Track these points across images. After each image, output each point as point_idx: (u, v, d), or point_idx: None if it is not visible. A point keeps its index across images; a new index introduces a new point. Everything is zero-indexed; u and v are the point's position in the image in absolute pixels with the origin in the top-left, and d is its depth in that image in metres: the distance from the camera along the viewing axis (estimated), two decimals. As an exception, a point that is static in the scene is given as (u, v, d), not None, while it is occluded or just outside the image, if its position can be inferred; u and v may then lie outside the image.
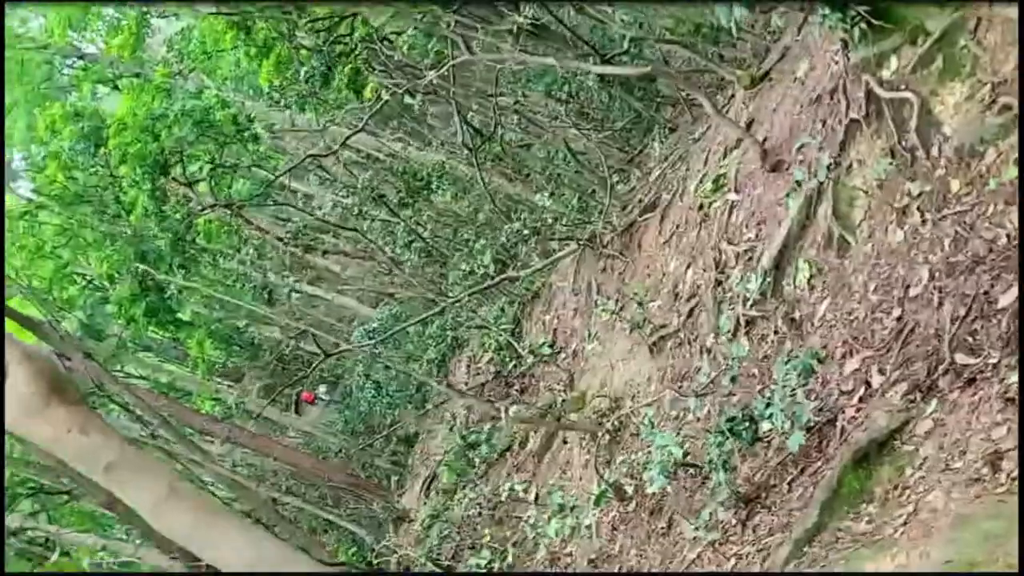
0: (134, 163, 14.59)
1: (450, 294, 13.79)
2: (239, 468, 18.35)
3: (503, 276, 12.10)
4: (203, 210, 15.96)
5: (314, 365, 14.83)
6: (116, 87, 19.33)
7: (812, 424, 4.89)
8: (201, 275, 18.55)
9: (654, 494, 6.37)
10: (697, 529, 5.14)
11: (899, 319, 5.04)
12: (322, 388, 25.34)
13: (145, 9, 19.17)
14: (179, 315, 19.82)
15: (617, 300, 9.11)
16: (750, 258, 6.62)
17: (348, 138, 12.66)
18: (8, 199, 18.40)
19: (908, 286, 4.98)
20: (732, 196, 7.04)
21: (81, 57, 19.44)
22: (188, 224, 15.75)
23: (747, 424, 5.05)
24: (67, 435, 2.10)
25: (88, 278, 20.38)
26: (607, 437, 7.48)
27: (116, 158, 14.88)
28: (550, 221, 12.57)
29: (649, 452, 6.44)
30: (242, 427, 17.95)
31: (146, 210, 14.93)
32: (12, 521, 12.58)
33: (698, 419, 5.76)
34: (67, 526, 16.82)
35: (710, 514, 5.08)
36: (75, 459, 2.18)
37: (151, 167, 14.52)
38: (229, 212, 16.33)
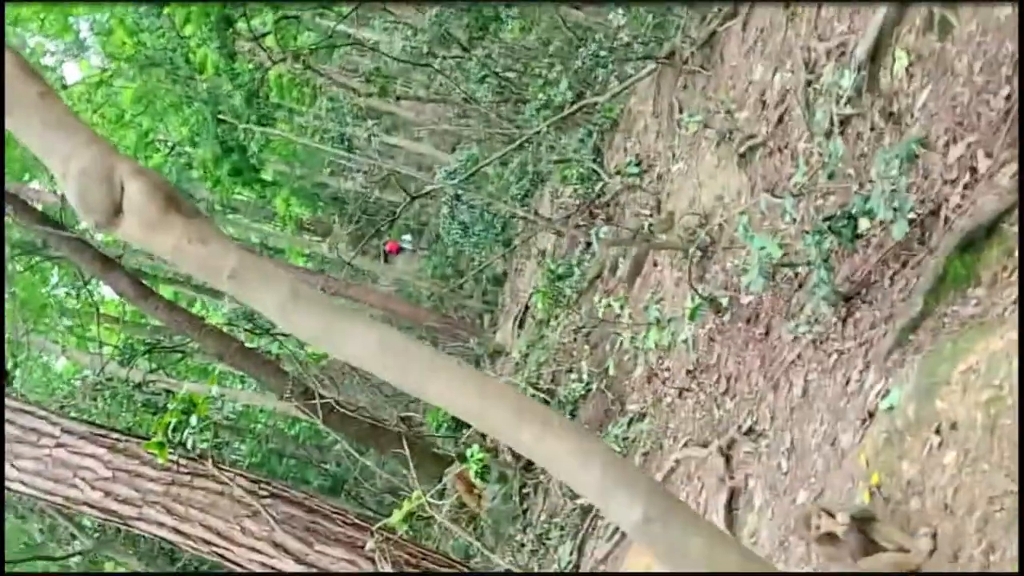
0: (198, 21, 14.50)
1: (528, 129, 13.59)
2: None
3: (580, 103, 11.81)
4: (272, 63, 15.88)
5: (399, 210, 14.98)
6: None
7: (915, 216, 4.73)
8: (279, 130, 18.67)
9: (750, 302, 6.38)
10: (797, 327, 5.13)
11: (1007, 98, 4.74)
12: (406, 237, 25.77)
13: None
14: (262, 174, 20.14)
15: (701, 115, 8.83)
16: (843, 53, 6.27)
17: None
18: (83, 67, 18.63)
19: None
20: (822, -13, 6.61)
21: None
22: (260, 79, 15.73)
23: (846, 221, 4.91)
24: (188, 245, 2.15)
25: (170, 143, 20.77)
26: (698, 253, 7.42)
27: (180, 16, 14.79)
28: (626, 41, 12.10)
29: (743, 261, 6.41)
30: (336, 278, 18.50)
31: (217, 68, 14.94)
32: (134, 375, 13.46)
33: (794, 220, 5.63)
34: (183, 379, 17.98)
35: (811, 311, 5.05)
36: (198, 269, 2.24)
37: (216, 23, 14.39)
38: (298, 64, 16.23)
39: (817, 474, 4.62)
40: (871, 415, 4.19)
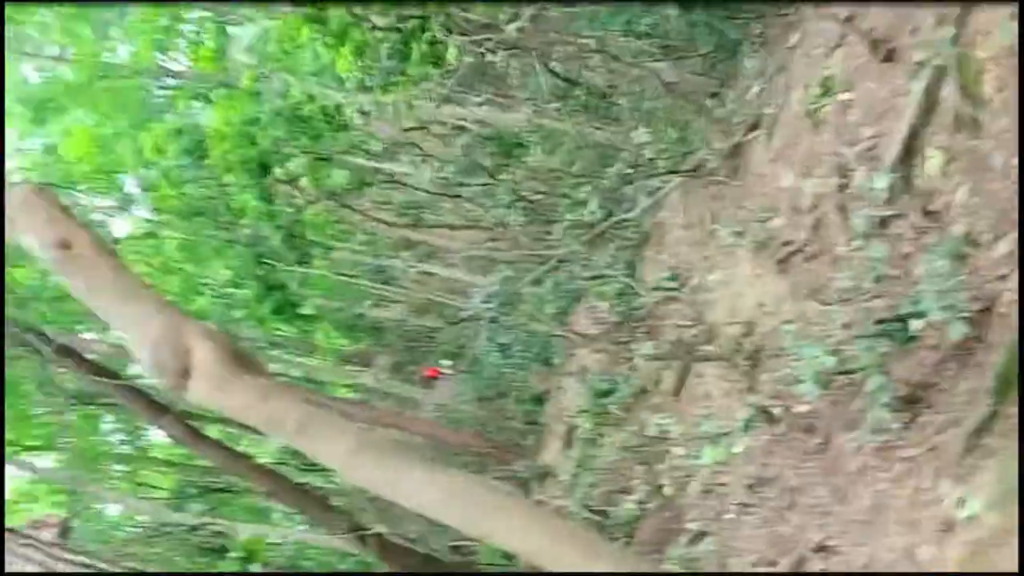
0: (237, 169, 15.07)
1: (559, 248, 13.76)
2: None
3: (611, 221, 11.98)
4: (309, 204, 16.40)
5: (438, 337, 15.08)
6: (208, 100, 19.99)
7: (968, 314, 4.68)
8: (317, 267, 19.08)
9: (805, 412, 6.26)
10: (859, 436, 5.01)
11: (1047, 190, 4.75)
12: (444, 362, 25.84)
13: (221, 19, 19.74)
14: (303, 310, 20.46)
15: (734, 225, 8.91)
16: (873, 156, 6.36)
17: (439, 106, 12.67)
18: (130, 222, 19.36)
19: (1054, 153, 4.69)
20: (844, 96, 6.76)
21: (171, 76, 20.16)
22: (297, 220, 16.20)
23: (898, 324, 4.87)
24: (255, 403, 2.19)
25: (213, 286, 21.25)
26: (746, 363, 7.35)
27: (220, 167, 15.38)
28: (650, 158, 12.35)
29: (792, 370, 6.33)
30: (379, 408, 18.51)
31: (256, 212, 15.42)
32: (187, 519, 13.42)
33: (844, 327, 5.59)
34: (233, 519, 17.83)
35: (872, 419, 4.94)
36: (265, 424, 2.27)
37: (253, 170, 14.95)
38: (332, 202, 16.73)
39: (899, 592, 4.43)
40: (950, 526, 4.04)
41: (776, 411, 6.52)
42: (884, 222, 5.87)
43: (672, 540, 7.83)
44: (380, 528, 10.86)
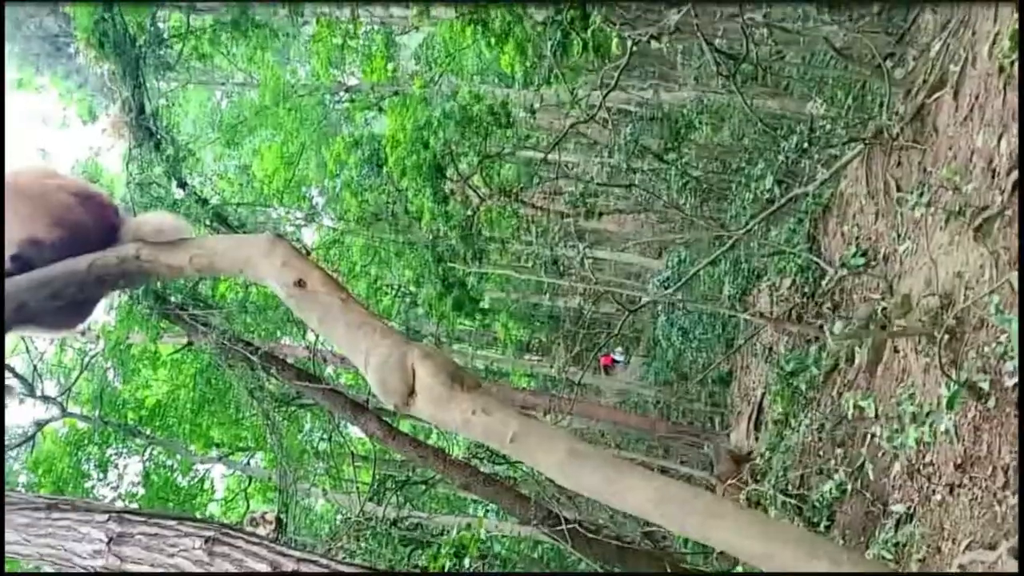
0: (412, 174, 15.69)
1: (734, 227, 13.50)
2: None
3: (788, 196, 11.63)
4: (482, 202, 16.84)
5: (619, 323, 15.14)
6: (381, 109, 20.91)
7: None
8: (493, 262, 19.59)
9: (1015, 385, 5.92)
10: (1082, 413, 4.71)
11: None
12: (618, 350, 25.87)
13: (388, 30, 20.56)
14: (482, 304, 21.08)
15: (923, 191, 8.48)
16: (1077, 110, 5.91)
17: (605, 96, 12.71)
18: (318, 232, 20.59)
19: None
20: (1040, 47, 6.31)
21: (347, 90, 21.22)
22: (472, 218, 16.69)
23: (1118, 291, 4.54)
24: (473, 417, 2.37)
25: (396, 287, 22.25)
26: (946, 336, 7.00)
27: (396, 173, 16.07)
28: (827, 128, 11.90)
29: (1000, 341, 6.00)
30: (562, 396, 18.78)
31: (432, 214, 16.01)
32: (388, 512, 14.15)
33: (1054, 296, 5.26)
34: (430, 511, 18.64)
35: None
36: (483, 436, 2.45)
37: (428, 173, 15.53)
38: (506, 198, 17.10)
39: None
40: None
41: (983, 386, 6.20)
42: (1095, 181, 5.46)
43: (876, 524, 7.59)
44: (571, 516, 11.07)
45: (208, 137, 20.91)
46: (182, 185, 13.31)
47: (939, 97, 9.01)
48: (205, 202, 13.70)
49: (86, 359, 17.63)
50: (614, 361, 25.55)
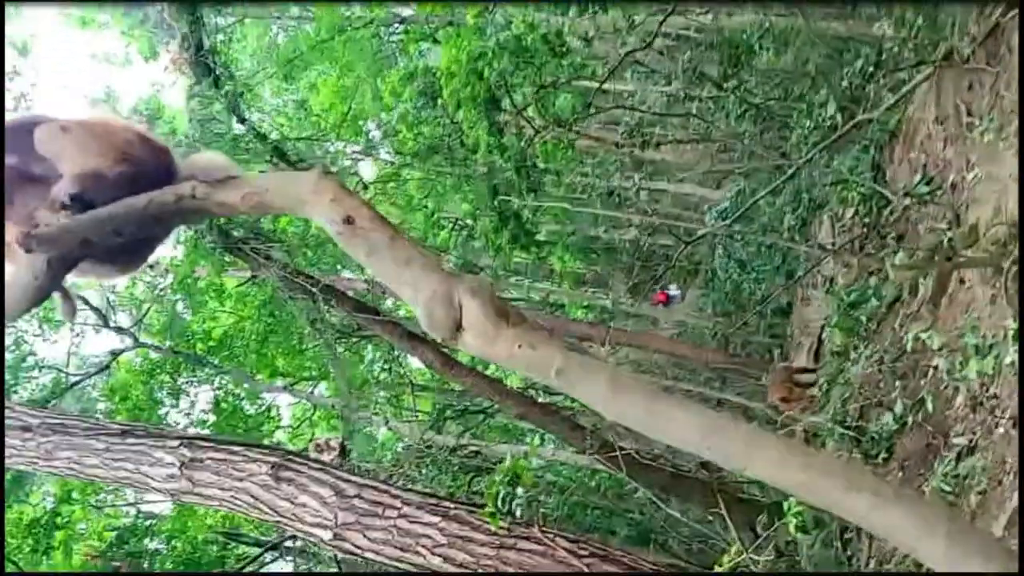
0: (468, 105, 15.59)
1: (796, 156, 13.20)
2: (623, 366, 19.30)
3: (852, 122, 11.29)
4: (537, 133, 16.70)
5: (676, 254, 15.05)
6: (436, 40, 20.71)
7: None
8: (549, 194, 19.51)
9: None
10: None
11: None
12: (672, 287, 25.72)
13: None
14: (538, 237, 21.06)
15: (996, 116, 8.17)
16: None
17: (662, 22, 12.41)
18: (376, 164, 20.69)
19: None
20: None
21: (401, 21, 21.04)
22: (527, 149, 16.58)
23: None
24: (519, 351, 2.41)
25: (453, 220, 22.35)
26: (1014, 267, 6.82)
27: (452, 105, 15.99)
28: (894, 50, 11.46)
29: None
30: (619, 328, 18.83)
31: (488, 146, 15.94)
32: (447, 440, 14.49)
33: None
34: (487, 439, 19.01)
35: None
36: (528, 369, 2.49)
37: (483, 105, 15.41)
38: (561, 129, 16.92)
39: None
40: None
41: (1051, 318, 6.05)
42: None
43: (936, 457, 7.53)
44: (627, 445, 11.18)
45: (266, 72, 21.00)
46: (242, 121, 13.47)
47: (1015, 14, 8.61)
48: (264, 137, 13.87)
49: (156, 292, 18.18)
50: (669, 297, 25.42)
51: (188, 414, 19.68)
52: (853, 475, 2.32)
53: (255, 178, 2.62)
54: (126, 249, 2.61)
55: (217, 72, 12.48)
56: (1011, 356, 6.32)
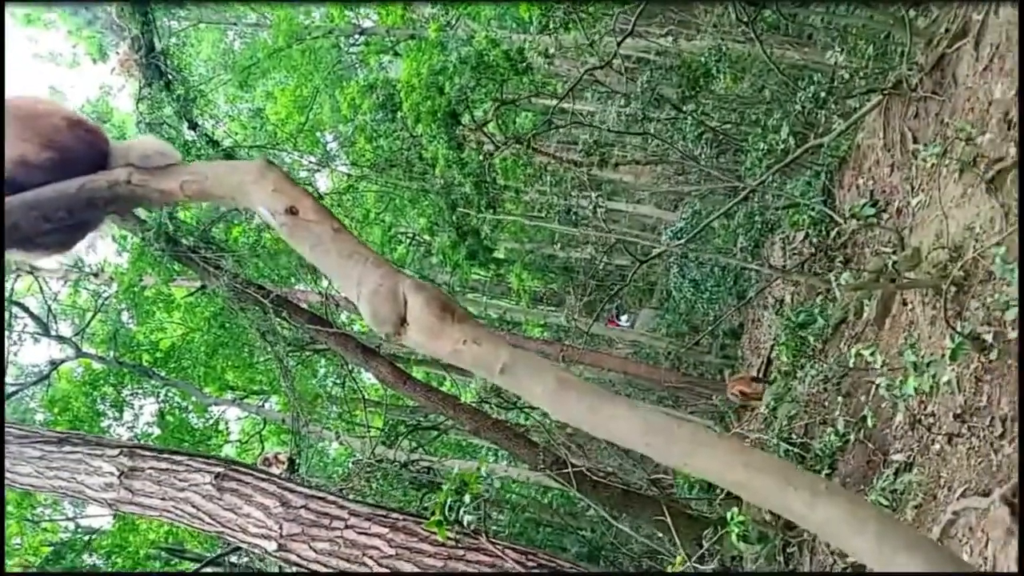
0: (427, 120, 15.60)
1: (750, 179, 13.41)
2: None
3: (804, 147, 11.52)
4: (497, 149, 16.75)
5: (631, 273, 15.15)
6: (396, 53, 20.73)
7: None
8: (507, 211, 19.56)
9: (1017, 338, 5.93)
10: (1082, 363, 4.72)
11: None
12: (623, 317, 25.96)
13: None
14: (496, 254, 21.09)
15: (939, 143, 8.39)
16: (1095, 60, 5.82)
17: (621, 42, 12.56)
18: (332, 176, 20.58)
19: None
20: (1061, -5, 6.18)
21: (362, 32, 21.02)
22: (486, 165, 16.62)
23: (1124, 242, 4.51)
24: (463, 347, 2.41)
25: (411, 235, 22.29)
26: (953, 289, 6.99)
27: (411, 119, 15.97)
28: (846, 78, 11.74)
29: (1005, 293, 5.99)
30: (573, 346, 18.88)
31: (447, 161, 15.95)
32: (399, 455, 14.37)
33: (1062, 247, 5.23)
34: (441, 455, 18.90)
35: (1094, 344, 4.63)
36: (473, 366, 2.49)
37: (443, 120, 15.42)
38: (520, 146, 17.00)
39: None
40: None
41: (987, 338, 6.20)
42: (1110, 132, 5.39)
43: (876, 473, 7.66)
44: (578, 463, 11.20)
45: (220, 79, 20.81)
46: (193, 126, 13.30)
47: (960, 47, 8.88)
48: (216, 144, 13.70)
49: (100, 301, 17.83)
50: (618, 325, 25.62)
51: (132, 427, 19.27)
52: (790, 474, 2.35)
53: (195, 166, 2.58)
54: (57, 232, 2.56)
55: (168, 75, 12.31)
56: (947, 375, 6.46)
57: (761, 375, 13.92)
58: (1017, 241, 5.88)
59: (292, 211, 2.47)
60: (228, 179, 2.50)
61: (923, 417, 7.06)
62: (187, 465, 7.17)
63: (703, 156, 15.62)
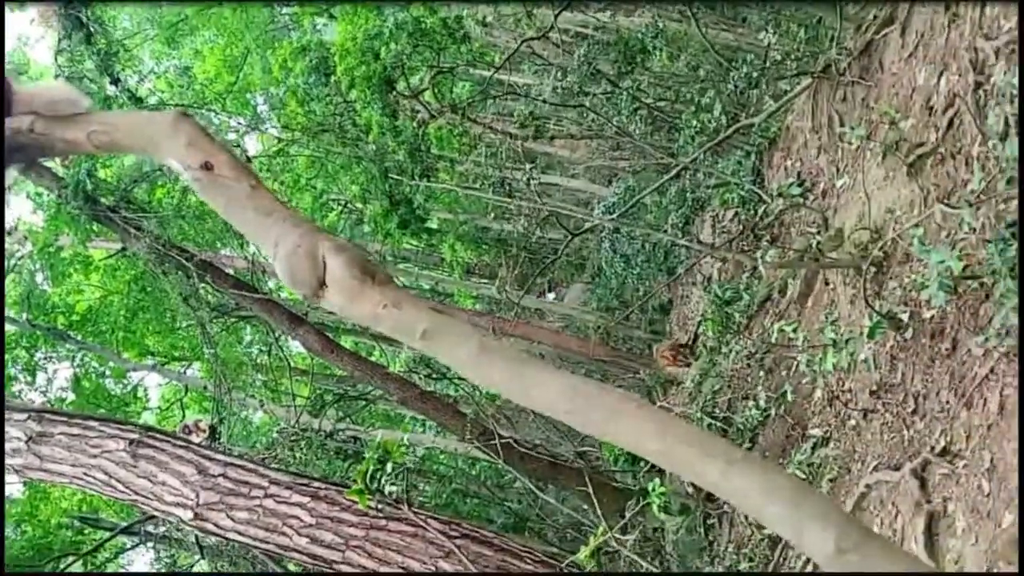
0: (362, 85, 15.33)
1: (682, 156, 13.54)
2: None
3: (735, 126, 11.66)
4: (431, 117, 16.57)
5: (563, 246, 15.21)
6: (332, 16, 20.27)
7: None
8: (442, 181, 19.41)
9: (932, 317, 6.11)
10: (987, 340, 4.88)
11: None
12: (551, 295, 26.12)
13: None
14: (429, 224, 20.93)
15: (864, 127, 8.57)
16: (1013, 51, 5.98)
17: (558, 14, 12.50)
18: (262, 139, 20.12)
19: None
20: (985, -16, 6.34)
21: (297, -8, 20.50)
22: (421, 133, 16.43)
23: (1033, 226, 4.66)
24: (383, 311, 2.36)
25: (343, 202, 21.96)
26: (872, 269, 7.17)
27: (345, 83, 15.68)
28: (778, 59, 11.90)
29: (922, 274, 6.16)
30: (505, 318, 18.91)
31: (381, 128, 15.72)
32: (325, 425, 14.24)
33: (973, 231, 5.38)
34: (368, 425, 18.80)
35: (1001, 323, 4.80)
36: (393, 330, 2.44)
37: (377, 86, 15.16)
38: (456, 115, 16.85)
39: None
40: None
41: (903, 317, 6.39)
42: (1021, 120, 5.55)
43: (795, 447, 7.86)
44: (506, 434, 11.25)
45: (146, 34, 20.10)
46: (115, 81, 12.82)
47: (887, 34, 9.05)
48: (140, 100, 13.25)
49: (13, 260, 17.15)
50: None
51: (45, 392, 18.67)
52: (707, 442, 2.36)
53: (105, 115, 2.47)
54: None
55: (90, 28, 11.82)
56: (865, 353, 6.64)
57: (689, 346, 14.18)
58: (939, 222, 6.04)
59: (207, 166, 2.37)
60: (140, 131, 2.39)
61: (841, 393, 7.25)
62: (100, 431, 6.98)
63: (638, 132, 15.69)
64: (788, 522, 2.24)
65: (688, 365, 12.84)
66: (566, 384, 2.39)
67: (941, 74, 7.18)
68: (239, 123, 19.24)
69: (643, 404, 2.57)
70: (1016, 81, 5.36)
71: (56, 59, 11.80)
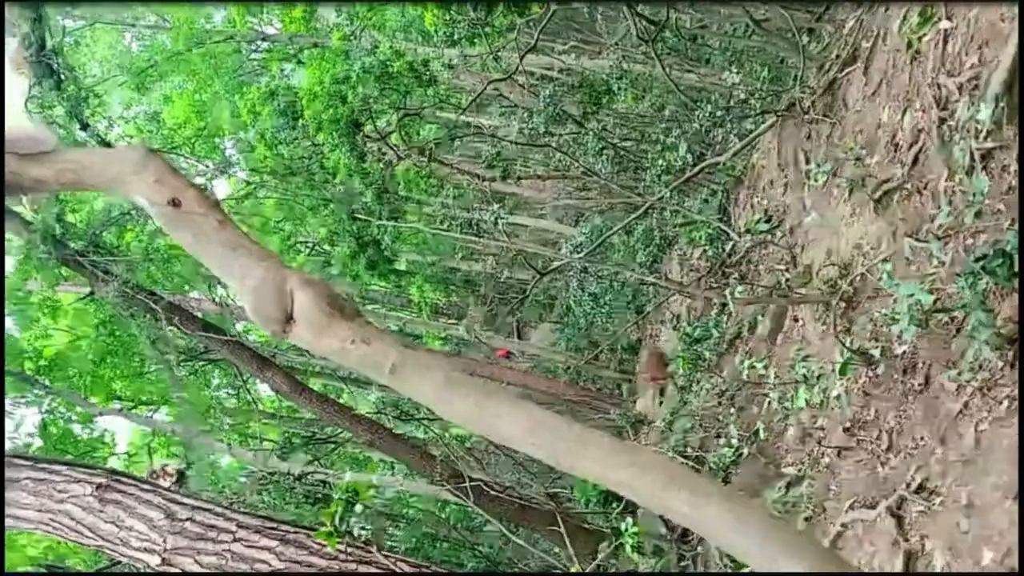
0: (329, 128, 15.33)
1: (649, 195, 13.64)
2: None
3: (701, 165, 11.78)
4: (399, 159, 16.60)
5: (531, 286, 15.19)
6: (299, 61, 20.35)
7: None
8: (409, 222, 19.40)
9: (904, 352, 6.14)
10: (960, 375, 4.90)
11: None
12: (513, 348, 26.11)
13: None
14: (397, 265, 20.86)
15: (829, 164, 8.69)
16: (976, 87, 6.10)
17: (524, 56, 12.61)
18: (231, 183, 20.03)
19: None
20: (945, 24, 6.48)
21: (264, 39, 20.57)
22: (388, 175, 16.44)
23: (1001, 259, 4.70)
24: (351, 346, 2.32)
25: (311, 244, 21.87)
26: (842, 305, 7.22)
27: (313, 127, 15.68)
28: (743, 99, 12.08)
29: (892, 309, 6.19)
30: (473, 359, 18.82)
31: (349, 170, 15.70)
32: (294, 468, 14.01)
33: (942, 264, 5.43)
34: (337, 468, 18.51)
35: (973, 357, 4.81)
36: (361, 366, 2.39)
37: (345, 129, 15.18)
38: (423, 157, 16.89)
39: (1002, 531, 4.35)
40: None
41: (875, 352, 6.41)
42: (987, 155, 5.65)
43: (768, 484, 7.82)
44: (476, 476, 11.12)
45: (116, 80, 20.01)
46: (84, 127, 12.72)
47: (850, 72, 9.22)
48: (109, 145, 13.13)
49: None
50: (509, 354, 25.66)
51: (12, 439, 18.21)
52: (674, 473, 2.33)
53: (73, 153, 2.42)
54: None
55: (60, 74, 11.76)
56: (837, 390, 6.65)
57: (657, 396, 14.18)
58: (907, 256, 6.09)
59: (175, 203, 2.33)
60: (107, 169, 2.34)
61: (814, 431, 7.24)
62: (66, 476, 6.80)
63: (604, 172, 15.81)
64: (760, 556, 2.20)
65: (672, 375, 12.86)
66: (531, 416, 2.35)
67: (905, 111, 7.30)
68: (208, 167, 19.14)
69: (608, 437, 2.53)
70: (981, 116, 5.45)
71: (26, 105, 11.69)
